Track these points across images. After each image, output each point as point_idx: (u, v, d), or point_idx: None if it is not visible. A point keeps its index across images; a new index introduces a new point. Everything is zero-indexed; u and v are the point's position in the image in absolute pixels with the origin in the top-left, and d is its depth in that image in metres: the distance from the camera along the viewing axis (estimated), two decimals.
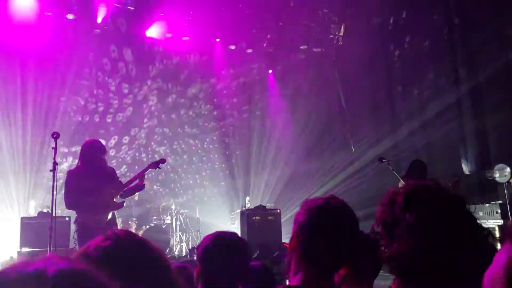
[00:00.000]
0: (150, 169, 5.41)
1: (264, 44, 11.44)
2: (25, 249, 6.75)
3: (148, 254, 1.17)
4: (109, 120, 10.61)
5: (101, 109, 10.46)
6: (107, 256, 1.12)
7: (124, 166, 10.52)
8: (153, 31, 10.34)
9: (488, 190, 8.00)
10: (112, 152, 10.25)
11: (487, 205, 7.21)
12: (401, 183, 5.90)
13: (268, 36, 11.33)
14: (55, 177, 4.76)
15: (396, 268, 1.21)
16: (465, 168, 8.74)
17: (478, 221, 1.18)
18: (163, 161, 5.50)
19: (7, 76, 8.98)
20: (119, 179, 5.26)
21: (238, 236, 2.24)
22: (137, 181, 5.16)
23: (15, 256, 6.63)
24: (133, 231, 8.85)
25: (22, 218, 7.19)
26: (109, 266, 0.94)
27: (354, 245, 1.57)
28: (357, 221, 1.61)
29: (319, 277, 1.53)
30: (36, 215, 7.51)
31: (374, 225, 1.29)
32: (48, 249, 4.74)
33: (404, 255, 1.17)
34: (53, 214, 4.77)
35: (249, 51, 11.55)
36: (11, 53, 9.00)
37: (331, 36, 11.55)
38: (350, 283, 2.14)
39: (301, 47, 11.48)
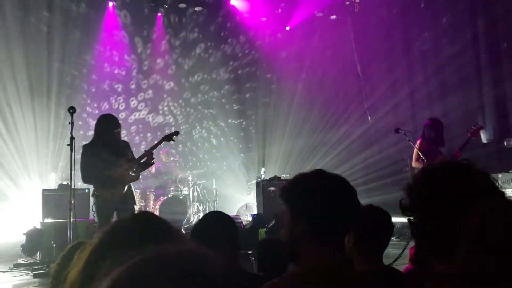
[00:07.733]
0: (164, 142, 5.49)
1: (279, 12, 11.25)
2: (48, 220, 6.95)
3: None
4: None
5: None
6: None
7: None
8: None
9: (507, 159, 7.89)
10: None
11: (505, 173, 7.10)
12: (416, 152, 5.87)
13: (283, 4, 11.12)
14: (73, 151, 4.87)
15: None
16: (484, 137, 8.59)
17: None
18: (176, 133, 5.54)
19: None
20: (133, 153, 5.30)
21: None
22: (145, 158, 5.17)
23: (38, 226, 6.84)
24: (151, 202, 9.06)
25: (43, 191, 7.37)
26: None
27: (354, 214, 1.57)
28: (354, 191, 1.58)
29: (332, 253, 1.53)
30: (56, 187, 7.72)
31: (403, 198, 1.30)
32: (68, 220, 4.90)
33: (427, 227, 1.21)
34: (72, 187, 4.91)
35: (263, 19, 11.38)
36: None
37: (347, 2, 11.24)
38: (359, 252, 2.18)
39: (317, 15, 11.26)
